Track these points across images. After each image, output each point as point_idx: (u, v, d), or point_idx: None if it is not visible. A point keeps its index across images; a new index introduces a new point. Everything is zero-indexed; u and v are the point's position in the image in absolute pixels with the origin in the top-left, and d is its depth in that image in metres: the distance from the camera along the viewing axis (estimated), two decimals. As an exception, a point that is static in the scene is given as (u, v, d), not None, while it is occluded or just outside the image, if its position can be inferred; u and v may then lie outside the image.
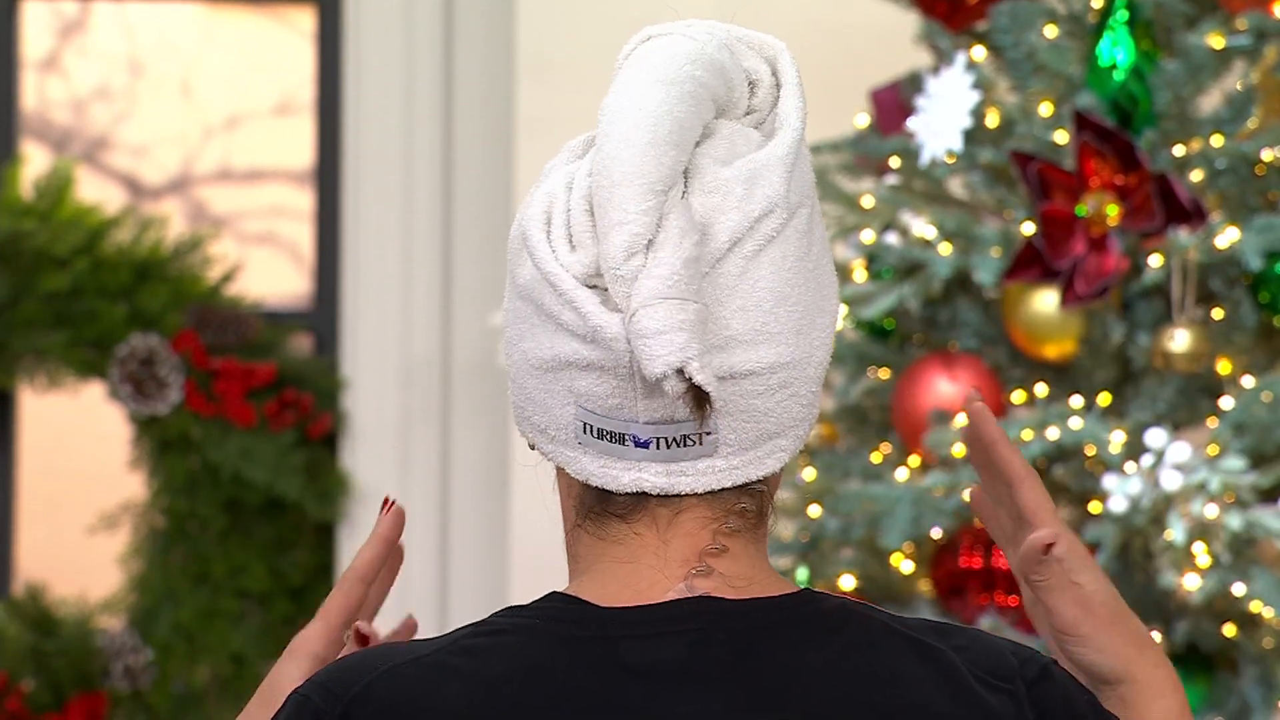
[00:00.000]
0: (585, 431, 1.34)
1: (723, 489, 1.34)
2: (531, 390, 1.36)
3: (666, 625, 1.31)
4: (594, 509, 1.37)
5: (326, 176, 4.56)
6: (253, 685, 4.22)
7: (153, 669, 4.18)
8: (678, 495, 1.34)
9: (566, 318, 1.32)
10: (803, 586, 1.36)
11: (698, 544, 1.35)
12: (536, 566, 4.17)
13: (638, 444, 1.32)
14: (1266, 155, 3.14)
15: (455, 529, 4.41)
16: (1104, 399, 3.20)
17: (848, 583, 3.22)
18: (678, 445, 1.32)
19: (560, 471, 1.40)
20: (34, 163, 4.45)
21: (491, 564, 4.26)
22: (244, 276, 4.40)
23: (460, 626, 1.36)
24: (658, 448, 1.32)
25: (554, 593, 1.37)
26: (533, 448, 1.41)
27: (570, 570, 1.41)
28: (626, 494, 1.34)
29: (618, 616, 1.33)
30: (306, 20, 4.70)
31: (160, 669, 4.19)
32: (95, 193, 4.51)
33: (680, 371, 1.26)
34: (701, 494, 1.34)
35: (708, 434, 1.32)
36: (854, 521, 3.23)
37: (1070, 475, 3.16)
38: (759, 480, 1.35)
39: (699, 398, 1.28)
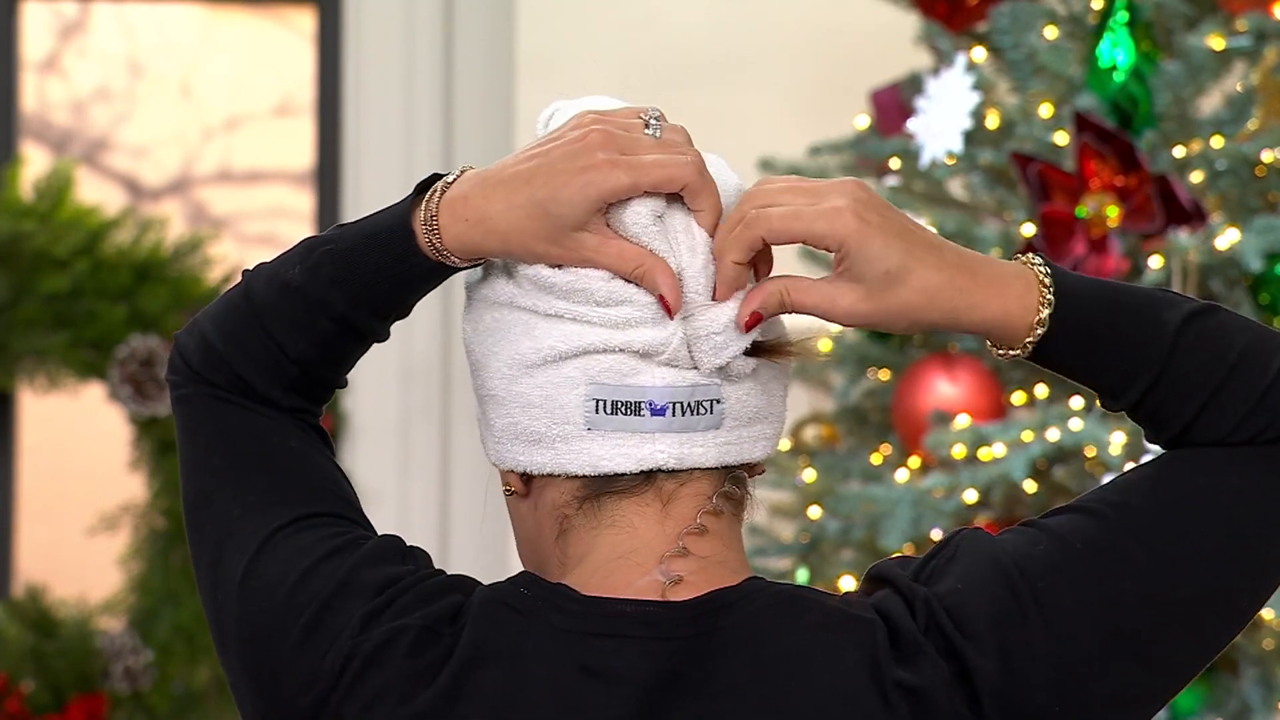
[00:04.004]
0: (598, 410, 1.38)
1: (721, 466, 1.39)
2: (526, 394, 1.40)
3: (627, 628, 1.36)
4: (590, 497, 1.40)
5: (326, 177, 4.56)
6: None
7: (153, 670, 4.18)
8: (689, 469, 1.39)
9: (598, 314, 1.38)
10: (752, 575, 1.40)
11: (683, 523, 1.40)
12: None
13: (654, 411, 1.37)
14: (1266, 156, 3.14)
15: (455, 529, 4.41)
16: (1104, 400, 3.20)
17: (848, 584, 3.22)
18: (691, 412, 1.37)
19: (538, 492, 1.43)
20: (34, 164, 4.45)
21: (491, 564, 4.26)
22: (244, 277, 4.39)
23: (481, 588, 1.40)
24: (673, 414, 1.37)
25: (543, 581, 1.40)
26: (510, 491, 1.45)
27: (557, 572, 1.43)
28: (638, 471, 1.38)
29: (592, 610, 1.37)
30: (306, 21, 4.70)
31: (160, 670, 4.19)
32: (95, 194, 4.50)
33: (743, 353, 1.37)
34: (707, 468, 1.39)
35: (717, 402, 1.38)
36: (854, 523, 3.23)
37: (1070, 476, 3.16)
38: (746, 465, 1.42)
39: (764, 353, 1.38)
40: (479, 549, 4.35)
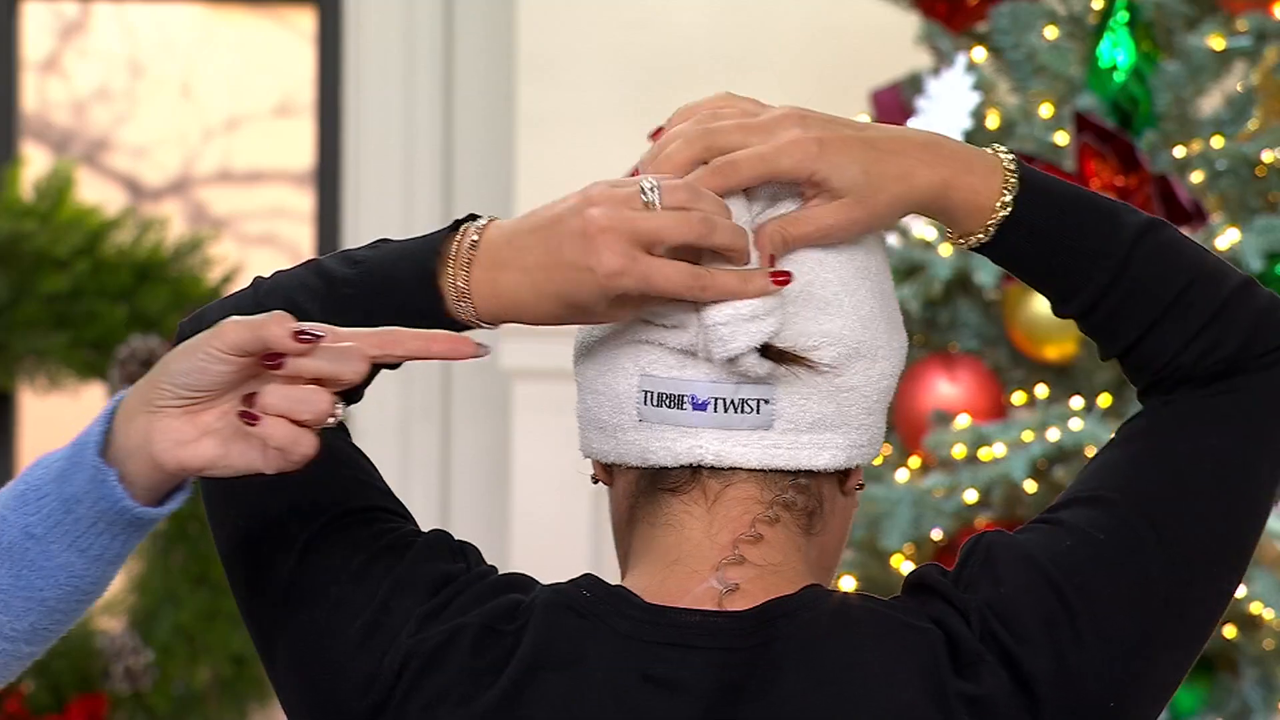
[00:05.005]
0: (645, 401, 1.37)
1: (773, 469, 1.37)
2: (592, 380, 1.40)
3: (692, 638, 1.35)
4: (647, 490, 1.40)
5: (327, 177, 4.56)
6: (253, 686, 4.22)
7: (153, 670, 4.17)
8: (730, 468, 1.37)
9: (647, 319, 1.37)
10: (811, 582, 1.38)
11: (738, 528, 1.38)
12: (537, 567, 4.16)
13: (696, 405, 1.36)
14: (1267, 156, 3.14)
15: (456, 529, 4.41)
16: (1104, 400, 3.20)
17: (848, 584, 3.22)
18: (735, 410, 1.36)
19: (614, 482, 1.43)
20: (34, 164, 4.45)
21: (493, 563, 4.26)
22: (244, 278, 4.40)
23: (543, 588, 1.39)
24: (715, 410, 1.36)
25: (606, 584, 1.39)
26: (595, 478, 1.45)
27: (622, 569, 1.44)
28: (681, 466, 1.37)
29: (656, 619, 1.35)
30: (307, 21, 4.70)
31: (161, 670, 4.19)
32: (95, 194, 4.50)
33: (757, 349, 1.34)
34: (752, 469, 1.37)
35: (765, 402, 1.36)
36: (854, 522, 3.23)
37: (1071, 476, 3.16)
38: (809, 472, 1.38)
39: (776, 358, 1.35)
40: (480, 547, 4.35)
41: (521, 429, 4.17)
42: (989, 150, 1.39)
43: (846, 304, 1.38)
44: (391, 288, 1.40)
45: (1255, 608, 3.02)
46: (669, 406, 1.36)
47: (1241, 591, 2.99)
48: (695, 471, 1.38)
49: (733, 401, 1.36)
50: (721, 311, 1.34)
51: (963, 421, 3.16)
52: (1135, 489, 1.37)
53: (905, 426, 3.25)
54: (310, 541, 1.39)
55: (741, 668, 1.34)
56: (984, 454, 3.10)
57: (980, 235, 1.39)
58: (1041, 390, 3.23)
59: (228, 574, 1.43)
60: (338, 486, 1.42)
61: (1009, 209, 1.37)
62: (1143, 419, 1.41)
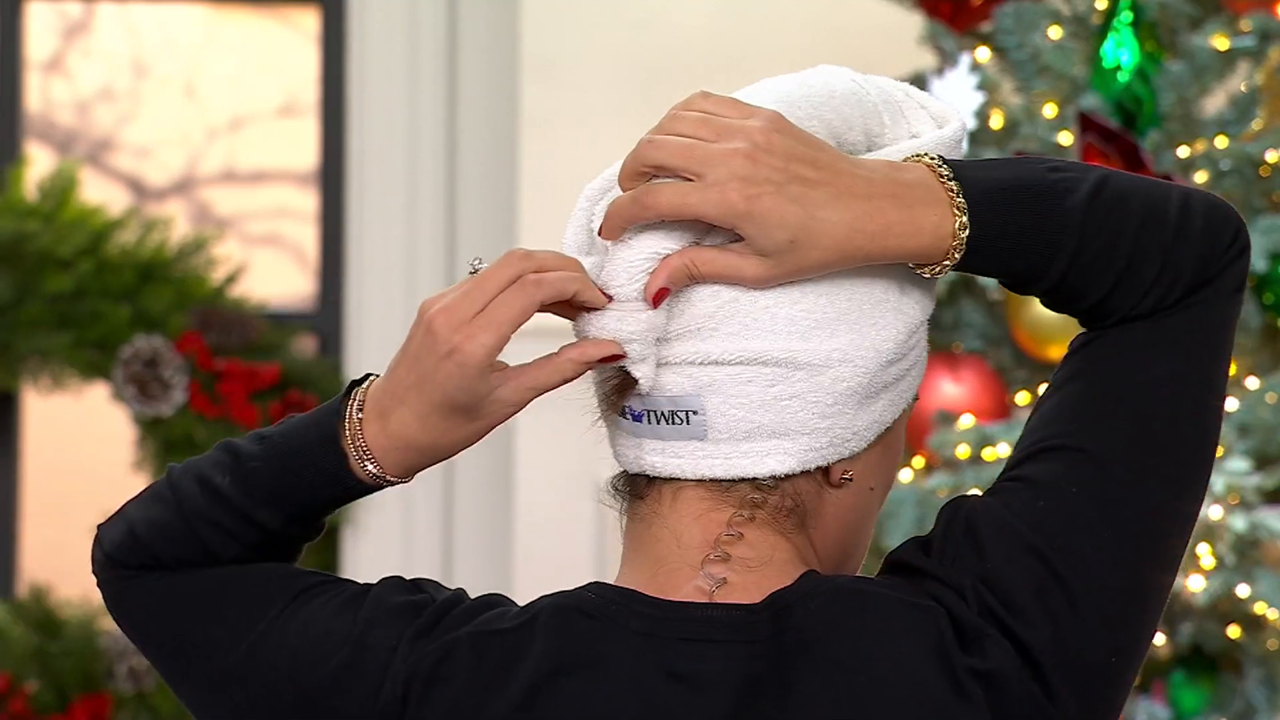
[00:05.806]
0: (607, 406, 1.39)
1: (711, 479, 1.37)
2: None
3: (711, 631, 1.34)
4: (626, 490, 1.41)
5: (330, 177, 4.56)
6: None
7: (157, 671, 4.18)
8: (669, 478, 1.37)
9: None
10: (805, 570, 1.38)
11: (709, 529, 1.37)
12: (540, 566, 4.17)
13: (634, 416, 1.37)
14: (1271, 156, 3.14)
15: (459, 529, 4.41)
16: (1108, 400, 3.19)
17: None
18: (666, 421, 1.36)
19: None
20: (38, 164, 4.45)
21: (496, 564, 4.26)
22: (248, 278, 4.40)
23: (543, 596, 1.38)
24: (648, 421, 1.36)
25: (613, 586, 1.39)
26: None
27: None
28: (635, 473, 1.39)
29: (672, 614, 1.35)
30: (310, 21, 4.70)
31: (164, 670, 4.19)
32: (99, 194, 4.50)
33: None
34: (696, 480, 1.37)
35: (694, 413, 1.35)
36: (858, 523, 3.23)
37: (1074, 477, 3.16)
38: (763, 478, 1.37)
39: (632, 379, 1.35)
40: (483, 549, 4.35)
41: (525, 428, 4.17)
42: (928, 166, 1.35)
43: (781, 316, 1.35)
44: (299, 453, 1.40)
45: (1259, 608, 3.01)
46: (621, 415, 1.38)
47: (1245, 591, 2.99)
48: (651, 477, 1.38)
49: (663, 413, 1.36)
50: (590, 327, 1.35)
51: (966, 421, 3.16)
52: (1101, 433, 1.37)
53: (909, 426, 3.25)
54: (264, 632, 1.39)
55: (761, 659, 1.33)
56: (988, 454, 3.10)
57: (932, 270, 1.36)
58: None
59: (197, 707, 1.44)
60: (269, 584, 1.42)
61: (963, 250, 1.34)
62: (1090, 350, 1.40)
